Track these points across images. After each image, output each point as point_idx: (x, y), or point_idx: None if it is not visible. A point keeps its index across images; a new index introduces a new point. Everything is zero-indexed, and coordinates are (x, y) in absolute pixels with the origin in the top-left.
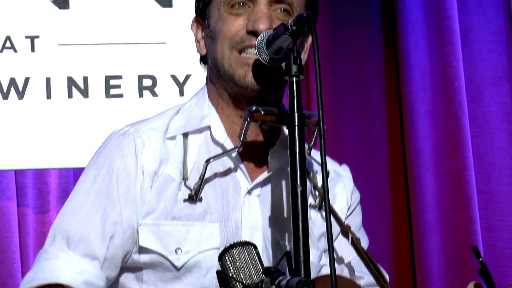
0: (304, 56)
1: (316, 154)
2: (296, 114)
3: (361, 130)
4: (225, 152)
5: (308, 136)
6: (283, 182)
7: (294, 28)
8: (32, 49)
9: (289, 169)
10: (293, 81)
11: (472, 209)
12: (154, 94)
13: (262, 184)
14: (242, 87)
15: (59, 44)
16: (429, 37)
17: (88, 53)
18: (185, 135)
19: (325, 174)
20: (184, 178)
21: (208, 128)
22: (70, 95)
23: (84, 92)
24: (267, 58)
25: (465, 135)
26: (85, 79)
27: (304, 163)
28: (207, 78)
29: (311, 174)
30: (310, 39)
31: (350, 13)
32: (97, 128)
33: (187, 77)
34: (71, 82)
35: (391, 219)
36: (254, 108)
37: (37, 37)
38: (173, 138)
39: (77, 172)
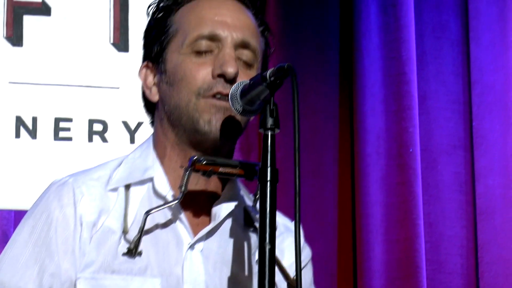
0: None
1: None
2: (269, 168)
3: (311, 191)
4: (165, 204)
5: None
6: (228, 236)
7: (272, 79)
8: None
9: (232, 221)
10: (267, 135)
11: (420, 279)
12: (104, 139)
13: (206, 238)
14: (204, 134)
15: (9, 82)
16: (387, 101)
17: (39, 93)
18: (127, 187)
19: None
20: (124, 231)
21: (151, 180)
22: (17, 135)
23: (32, 133)
24: (240, 108)
25: (417, 202)
26: (34, 120)
27: (274, 220)
28: (155, 128)
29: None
30: None
31: (308, 72)
32: (43, 171)
33: (139, 124)
34: (19, 121)
35: (336, 283)
36: (195, 158)
37: None
38: (115, 190)
39: (18, 215)
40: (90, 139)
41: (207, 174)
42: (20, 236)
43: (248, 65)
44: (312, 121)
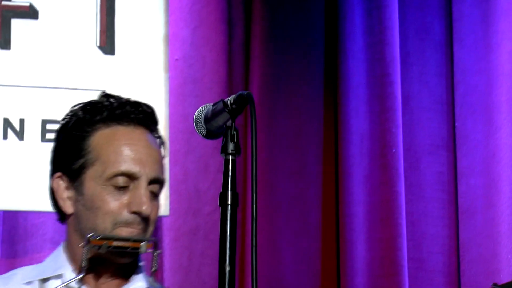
0: None
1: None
2: (229, 193)
3: (295, 191)
4: (68, 281)
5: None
6: None
7: (234, 106)
8: None
9: None
10: (228, 159)
11: (402, 277)
12: None
13: None
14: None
15: None
16: (370, 102)
17: (26, 95)
18: (42, 281)
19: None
20: None
21: (64, 275)
22: (5, 136)
23: (20, 135)
24: (204, 132)
25: (399, 202)
26: (22, 122)
27: (234, 243)
28: (68, 233)
29: None
30: None
31: (293, 72)
32: (31, 171)
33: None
34: (7, 123)
35: (319, 282)
36: (90, 234)
37: None
38: (30, 283)
39: (6, 214)
40: None
41: (101, 248)
42: None
43: (155, 195)
44: (296, 121)
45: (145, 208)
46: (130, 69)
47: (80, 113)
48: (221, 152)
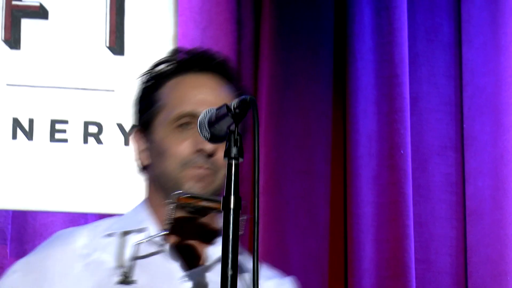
0: None
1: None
2: (232, 197)
3: (304, 190)
4: (152, 236)
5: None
6: (217, 277)
7: (237, 110)
8: None
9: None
10: (231, 163)
11: (409, 278)
12: (99, 141)
13: (197, 275)
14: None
15: (7, 84)
16: (379, 103)
17: (35, 95)
18: (123, 234)
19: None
20: (121, 266)
21: (146, 229)
22: (14, 136)
23: (29, 134)
24: (208, 136)
25: (407, 203)
26: (31, 121)
27: (237, 247)
28: (148, 187)
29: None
30: None
31: (302, 72)
32: (40, 171)
33: (134, 126)
34: (16, 123)
35: (327, 281)
36: (179, 192)
37: None
38: (110, 235)
39: (15, 214)
40: (85, 141)
41: (188, 207)
42: (18, 266)
43: None
44: (305, 121)
45: (207, 146)
46: (139, 69)
47: (152, 68)
48: (224, 156)
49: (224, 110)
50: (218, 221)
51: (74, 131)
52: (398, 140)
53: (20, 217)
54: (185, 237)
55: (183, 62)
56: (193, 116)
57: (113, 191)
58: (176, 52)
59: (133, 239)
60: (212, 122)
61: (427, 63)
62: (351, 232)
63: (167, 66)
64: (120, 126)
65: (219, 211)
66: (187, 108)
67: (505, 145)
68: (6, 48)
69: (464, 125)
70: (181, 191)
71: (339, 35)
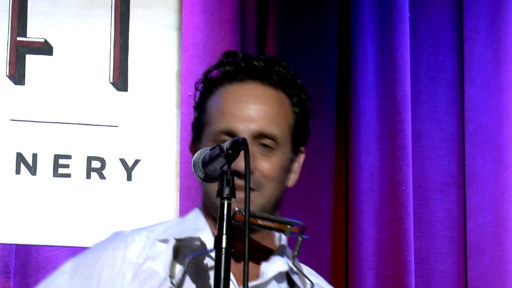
0: (293, 177)
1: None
2: (224, 236)
3: (306, 227)
4: (208, 251)
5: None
6: None
7: (229, 151)
8: None
9: (277, 281)
10: (223, 203)
11: None
12: (101, 176)
13: None
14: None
15: (11, 119)
16: (381, 139)
17: (39, 130)
18: (179, 241)
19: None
20: (171, 276)
21: (200, 238)
22: (18, 171)
23: (32, 169)
24: (202, 175)
25: (408, 239)
26: (34, 156)
27: (228, 285)
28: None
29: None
30: (301, 159)
31: None
32: (43, 206)
33: (136, 161)
34: (19, 158)
35: None
36: (236, 209)
37: None
38: (165, 241)
39: (19, 247)
40: (88, 176)
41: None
42: (67, 267)
43: (269, 148)
44: (308, 157)
45: (240, 164)
46: (143, 105)
47: (204, 77)
48: (217, 196)
49: (217, 151)
50: (273, 239)
51: (77, 166)
52: (400, 176)
53: (24, 251)
54: (239, 252)
55: (227, 71)
56: (230, 134)
57: (116, 226)
58: (231, 55)
59: (186, 247)
60: (206, 162)
61: (430, 100)
62: (353, 267)
63: (214, 74)
64: (123, 161)
65: (278, 231)
66: (224, 124)
67: (506, 182)
68: (11, 83)
69: (466, 162)
70: (239, 209)
71: (342, 72)
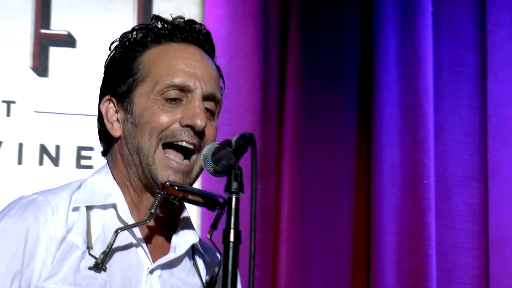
0: None
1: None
2: (232, 230)
3: (327, 220)
4: (136, 223)
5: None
6: (183, 265)
7: (237, 146)
8: (8, 114)
9: (189, 249)
10: (232, 198)
11: None
12: None
13: (164, 265)
14: (158, 186)
15: (34, 111)
16: (403, 133)
17: (62, 122)
18: (89, 208)
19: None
20: (89, 247)
21: (113, 206)
22: (41, 162)
23: (55, 161)
24: (212, 170)
25: (429, 232)
26: (57, 148)
27: (235, 281)
28: (115, 158)
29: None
30: None
31: (327, 102)
32: None
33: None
34: (43, 149)
35: None
36: (167, 182)
37: (14, 102)
38: (76, 209)
39: None
40: None
41: (177, 199)
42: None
43: (212, 114)
44: (329, 150)
45: (199, 122)
46: None
47: (130, 35)
48: (225, 191)
49: (225, 144)
50: (182, 211)
51: (99, 158)
52: (421, 170)
53: None
54: (152, 225)
55: (166, 30)
56: (183, 89)
57: None
58: (154, 19)
59: (99, 213)
60: (215, 156)
61: (452, 94)
62: (374, 260)
63: (147, 33)
64: None
65: (204, 206)
66: (176, 79)
67: None
68: (34, 75)
69: (488, 156)
70: (169, 181)
71: (364, 65)
